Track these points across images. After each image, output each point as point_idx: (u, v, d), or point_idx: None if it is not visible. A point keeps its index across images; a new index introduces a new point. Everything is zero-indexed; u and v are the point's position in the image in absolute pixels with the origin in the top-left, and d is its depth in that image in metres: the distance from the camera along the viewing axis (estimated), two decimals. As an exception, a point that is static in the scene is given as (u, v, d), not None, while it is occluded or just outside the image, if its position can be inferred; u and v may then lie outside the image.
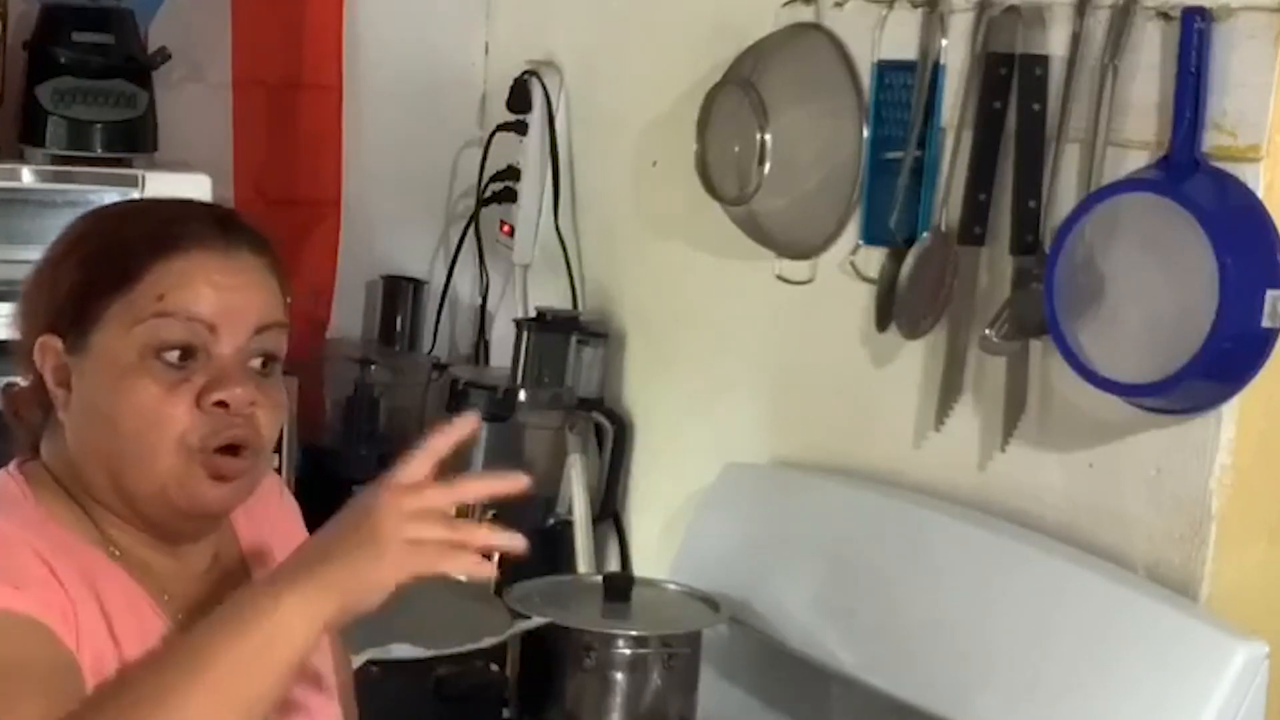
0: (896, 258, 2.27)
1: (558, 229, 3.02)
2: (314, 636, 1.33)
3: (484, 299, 3.24)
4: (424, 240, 3.29)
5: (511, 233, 3.06)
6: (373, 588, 1.33)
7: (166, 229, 1.45)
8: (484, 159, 3.14)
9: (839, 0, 2.39)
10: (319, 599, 1.32)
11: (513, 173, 3.06)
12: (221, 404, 1.42)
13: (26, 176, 2.58)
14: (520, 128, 3.04)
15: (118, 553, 1.46)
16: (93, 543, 1.45)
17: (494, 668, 2.22)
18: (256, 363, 1.46)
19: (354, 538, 1.34)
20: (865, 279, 2.35)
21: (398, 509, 1.34)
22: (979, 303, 2.19)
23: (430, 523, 1.35)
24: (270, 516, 1.61)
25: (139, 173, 2.60)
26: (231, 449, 1.43)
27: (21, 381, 1.52)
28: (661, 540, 2.75)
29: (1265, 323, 1.84)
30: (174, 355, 1.42)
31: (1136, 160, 1.97)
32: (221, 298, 1.43)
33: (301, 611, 1.31)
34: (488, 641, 2.21)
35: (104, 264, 1.44)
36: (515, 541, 1.39)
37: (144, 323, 1.41)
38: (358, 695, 1.77)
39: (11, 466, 1.50)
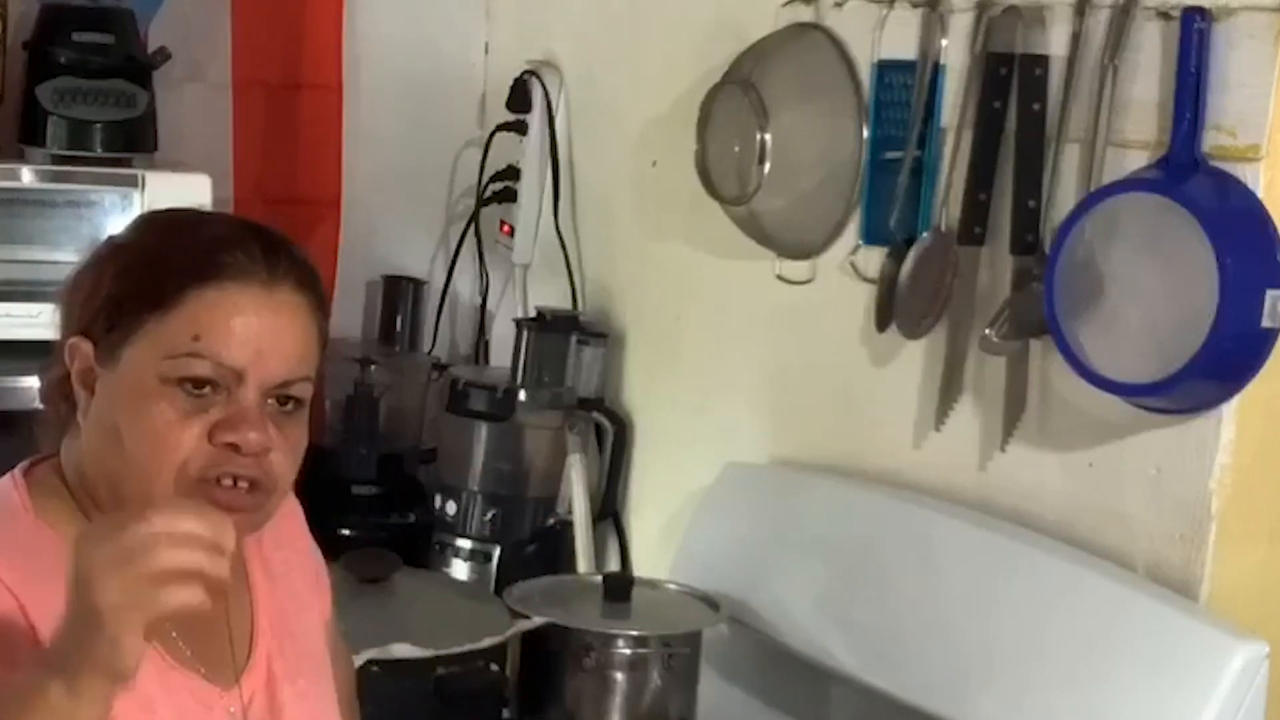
0: (896, 258, 2.27)
1: (558, 229, 3.02)
2: (97, 710, 1.26)
3: (484, 299, 3.24)
4: (424, 240, 3.28)
5: (511, 233, 3.06)
6: (119, 651, 1.25)
7: (210, 255, 1.44)
8: (484, 159, 3.14)
9: (839, 0, 2.39)
10: (80, 682, 1.25)
11: (513, 173, 3.06)
12: (233, 445, 1.42)
13: (26, 176, 2.58)
14: (520, 128, 3.04)
15: None
16: None
17: (494, 668, 2.21)
18: (277, 402, 1.45)
19: (78, 609, 1.25)
20: (865, 279, 2.36)
21: (97, 563, 1.24)
22: (979, 303, 2.19)
23: (135, 565, 1.23)
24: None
25: (139, 173, 2.60)
26: (236, 484, 1.42)
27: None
28: (661, 540, 2.75)
29: (1265, 323, 1.84)
30: (196, 386, 1.42)
31: (1136, 160, 1.97)
32: (254, 343, 1.42)
33: (71, 697, 1.25)
34: (488, 641, 2.21)
35: (143, 280, 1.44)
36: (225, 535, 1.27)
37: (175, 358, 1.41)
38: (358, 695, 1.77)
39: (18, 471, 1.50)
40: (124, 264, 1.46)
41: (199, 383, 1.41)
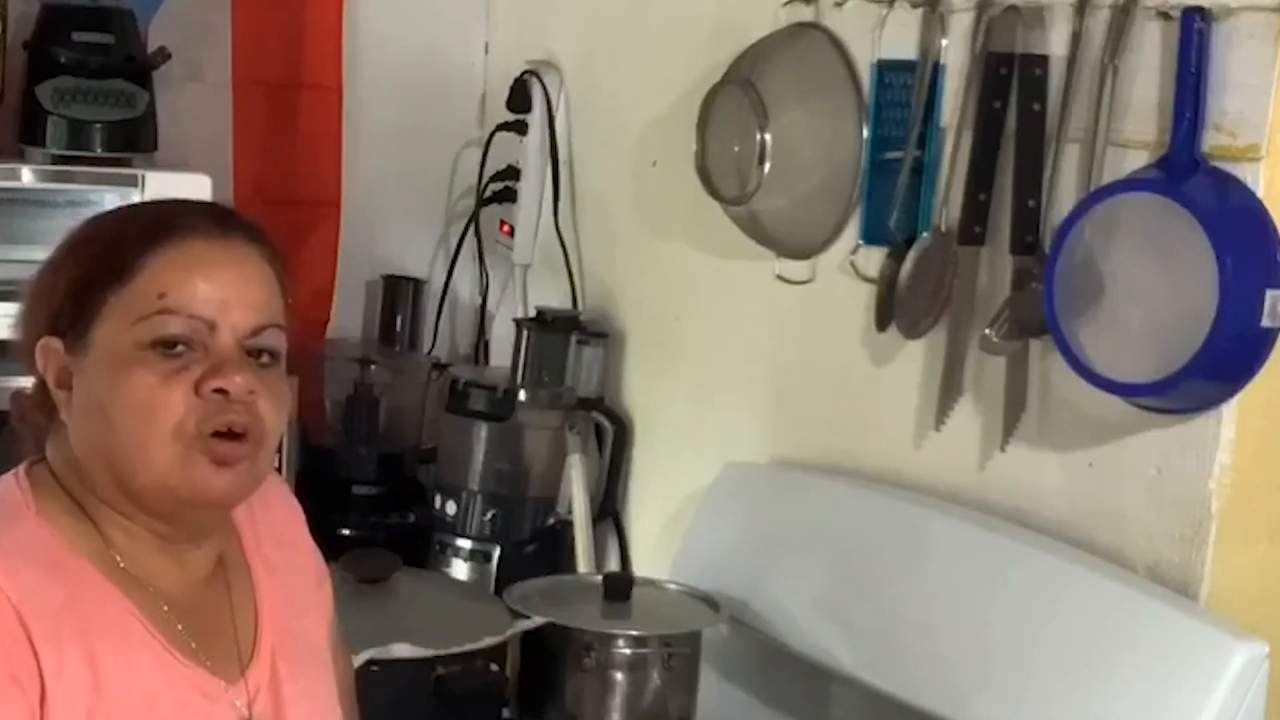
0: (896, 258, 2.27)
1: (558, 229, 3.02)
2: None
3: (484, 299, 3.24)
4: (424, 240, 3.28)
5: (511, 233, 3.06)
6: None
7: (161, 222, 1.46)
8: (484, 159, 3.14)
9: (839, 0, 2.39)
10: None
11: (513, 173, 3.06)
12: (221, 391, 1.42)
13: (26, 176, 2.58)
14: (520, 128, 3.04)
15: (120, 560, 1.45)
16: (91, 555, 1.44)
17: (494, 668, 2.22)
18: (254, 357, 1.46)
19: None
20: (865, 279, 2.36)
21: None
22: (979, 303, 2.19)
23: None
24: (273, 519, 1.61)
25: (139, 173, 2.59)
26: (232, 434, 1.43)
27: (27, 385, 1.52)
28: (661, 540, 2.75)
29: (1265, 323, 1.84)
30: (172, 347, 1.42)
31: (1136, 160, 1.97)
32: (220, 291, 1.43)
33: None
34: (488, 641, 2.21)
35: (100, 259, 1.45)
36: None
37: (146, 320, 1.42)
38: (358, 695, 1.77)
39: (21, 470, 1.50)
40: (79, 255, 1.47)
41: (174, 342, 1.42)
